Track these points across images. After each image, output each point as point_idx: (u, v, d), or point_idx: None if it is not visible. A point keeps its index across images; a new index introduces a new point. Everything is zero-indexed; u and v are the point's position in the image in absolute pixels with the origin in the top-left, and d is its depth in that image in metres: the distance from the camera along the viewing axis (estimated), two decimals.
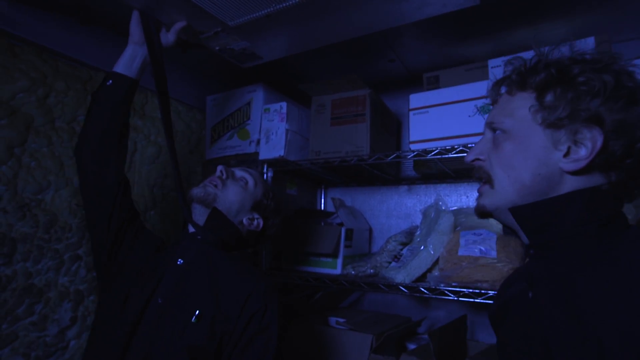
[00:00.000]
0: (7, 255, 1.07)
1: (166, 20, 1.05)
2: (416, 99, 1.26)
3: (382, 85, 1.70)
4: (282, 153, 1.42)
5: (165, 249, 1.03)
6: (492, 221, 1.37)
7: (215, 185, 1.01)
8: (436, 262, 1.24)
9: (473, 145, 1.12)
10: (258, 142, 1.49)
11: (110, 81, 0.97)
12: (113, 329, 0.86)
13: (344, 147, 1.38)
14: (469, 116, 1.15)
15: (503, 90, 0.69)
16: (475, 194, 1.51)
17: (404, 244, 1.40)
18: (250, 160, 1.51)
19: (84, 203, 1.00)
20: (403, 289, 1.19)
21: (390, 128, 1.60)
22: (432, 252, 1.23)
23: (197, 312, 0.82)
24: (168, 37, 1.05)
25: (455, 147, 1.14)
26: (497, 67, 1.23)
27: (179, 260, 0.94)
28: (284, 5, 0.95)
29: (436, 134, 1.20)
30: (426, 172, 1.50)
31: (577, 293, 0.54)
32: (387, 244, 1.42)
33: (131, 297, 0.90)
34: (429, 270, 1.24)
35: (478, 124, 1.13)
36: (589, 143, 0.55)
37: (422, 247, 1.25)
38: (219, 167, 1.03)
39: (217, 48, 1.19)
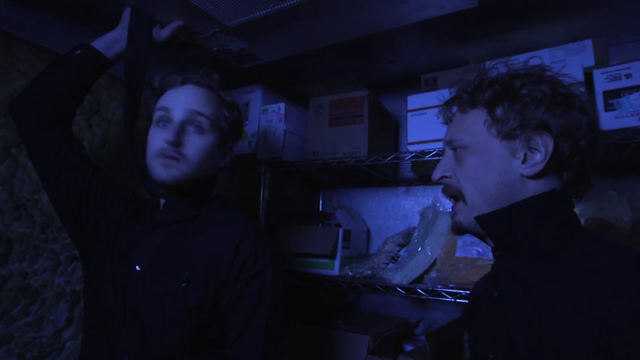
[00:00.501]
0: (3, 255, 1.06)
1: (163, 20, 1.05)
2: (414, 101, 1.27)
3: (380, 86, 1.70)
4: (279, 154, 1.41)
5: (136, 203, 0.95)
6: None
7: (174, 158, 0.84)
8: (434, 263, 1.24)
9: None
10: (256, 142, 1.49)
11: (79, 51, 0.91)
12: (104, 305, 0.83)
13: (342, 148, 1.38)
14: None
15: (454, 109, 0.74)
16: None
17: (402, 245, 1.40)
18: (248, 161, 1.51)
19: (38, 171, 0.90)
20: (400, 290, 1.19)
21: (389, 129, 1.60)
22: (429, 254, 1.23)
23: (186, 274, 0.78)
24: (161, 33, 1.03)
25: None
26: (494, 69, 1.23)
27: (158, 229, 0.86)
28: (283, 6, 0.95)
29: (434, 135, 1.20)
30: (424, 174, 1.50)
31: (534, 293, 0.58)
32: (385, 245, 1.42)
33: (113, 268, 0.83)
34: (427, 271, 1.24)
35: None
36: (542, 148, 0.61)
37: (419, 249, 1.25)
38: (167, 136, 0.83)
39: (215, 48, 1.19)
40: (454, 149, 0.70)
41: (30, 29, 1.14)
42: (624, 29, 1.27)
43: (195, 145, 0.85)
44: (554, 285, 0.57)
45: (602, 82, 1.00)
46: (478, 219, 0.65)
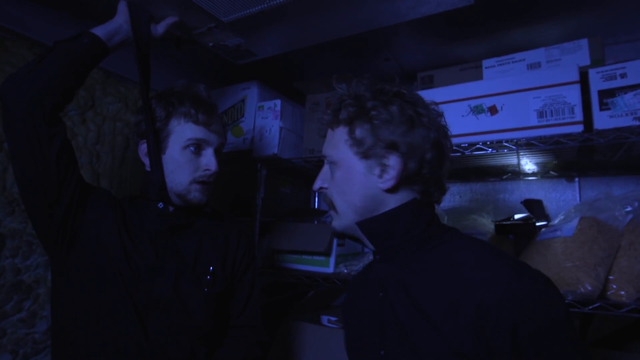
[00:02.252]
0: None
1: (158, 16, 1.04)
2: None
3: None
4: (275, 151, 1.41)
5: (119, 205, 0.95)
6: (484, 221, 1.37)
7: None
8: None
9: (466, 144, 1.13)
10: (252, 139, 1.48)
11: (86, 40, 0.88)
12: (120, 300, 0.85)
13: None
14: (462, 116, 1.15)
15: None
16: (468, 194, 1.52)
17: None
18: (243, 158, 1.51)
19: (22, 169, 0.81)
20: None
21: None
22: None
23: (211, 268, 0.97)
24: (157, 29, 1.02)
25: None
26: (491, 68, 1.24)
27: (173, 233, 0.95)
28: (279, 1, 0.95)
29: None
30: None
31: (413, 286, 0.67)
32: None
33: (123, 267, 0.86)
34: None
35: (471, 123, 1.13)
36: (394, 165, 0.67)
37: None
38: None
39: (210, 44, 1.19)
40: (328, 162, 0.76)
41: (24, 22, 1.13)
42: (619, 29, 1.27)
43: None
44: (428, 276, 0.66)
45: (597, 82, 1.01)
46: (359, 224, 0.72)
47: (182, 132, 0.93)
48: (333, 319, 1.39)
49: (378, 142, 0.68)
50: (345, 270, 1.37)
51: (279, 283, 1.62)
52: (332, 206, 0.76)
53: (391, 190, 0.70)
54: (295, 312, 1.52)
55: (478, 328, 0.57)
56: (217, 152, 0.99)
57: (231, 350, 0.98)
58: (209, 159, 0.95)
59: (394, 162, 0.68)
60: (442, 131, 0.73)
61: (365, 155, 0.70)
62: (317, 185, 0.79)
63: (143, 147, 0.95)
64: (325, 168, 0.78)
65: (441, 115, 0.75)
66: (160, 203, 0.94)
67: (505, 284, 0.57)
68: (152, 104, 0.95)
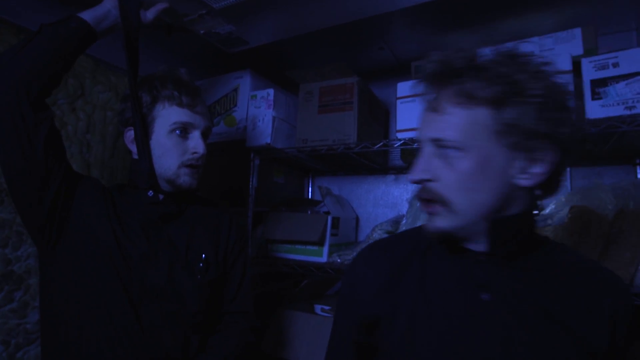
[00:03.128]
0: None
1: (148, 1, 1.02)
2: (403, 88, 1.26)
3: (370, 73, 1.69)
4: (268, 140, 1.40)
5: (107, 192, 0.93)
6: None
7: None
8: None
9: None
10: (245, 129, 1.47)
11: (74, 24, 0.85)
12: (113, 289, 0.85)
13: (331, 136, 1.38)
14: None
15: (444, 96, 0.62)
16: None
17: (390, 233, 1.41)
18: (236, 148, 1.50)
19: (9, 158, 0.79)
20: None
21: (379, 117, 1.59)
22: None
23: (204, 256, 0.97)
24: (147, 15, 1.00)
25: None
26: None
27: (166, 221, 0.95)
28: None
29: None
30: (413, 162, 1.50)
31: (535, 289, 0.61)
32: (374, 232, 1.43)
33: (115, 255, 0.86)
34: None
35: None
36: (546, 159, 0.56)
37: None
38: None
39: (202, 32, 1.17)
40: (442, 146, 0.60)
41: (10, 8, 1.10)
42: (613, 19, 1.27)
43: None
44: (552, 280, 0.62)
45: (589, 71, 1.01)
46: (494, 222, 0.60)
47: (167, 116, 0.92)
48: (326, 307, 1.40)
49: (533, 130, 0.55)
50: (339, 260, 1.38)
51: (272, 273, 1.63)
52: (441, 201, 0.60)
53: (531, 188, 0.58)
54: (288, 302, 1.52)
55: (612, 325, 0.60)
56: (205, 135, 0.98)
57: (224, 337, 0.99)
58: (196, 142, 0.95)
59: (548, 156, 0.56)
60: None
61: (515, 145, 0.56)
62: (416, 176, 0.62)
63: (129, 134, 0.94)
64: (430, 153, 0.62)
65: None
66: (150, 191, 0.93)
67: (620, 283, 0.64)
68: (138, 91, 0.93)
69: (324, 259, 1.41)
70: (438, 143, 0.60)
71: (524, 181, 0.57)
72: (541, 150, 0.56)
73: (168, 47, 1.52)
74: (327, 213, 1.49)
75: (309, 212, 1.51)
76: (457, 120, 0.59)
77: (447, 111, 0.60)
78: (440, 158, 0.60)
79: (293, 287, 1.70)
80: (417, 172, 0.62)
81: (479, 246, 0.63)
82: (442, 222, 0.61)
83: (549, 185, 0.61)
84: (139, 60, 0.96)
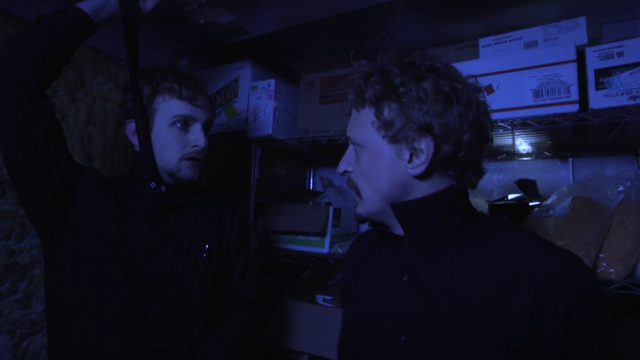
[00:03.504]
0: None
1: None
2: None
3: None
4: (270, 132, 1.40)
5: (110, 184, 0.94)
6: (478, 201, 1.38)
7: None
8: None
9: None
10: (246, 120, 1.47)
11: (72, 15, 0.84)
12: (119, 279, 0.86)
13: (333, 126, 1.37)
14: None
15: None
16: None
17: None
18: (237, 139, 1.49)
19: (10, 149, 0.79)
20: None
21: None
22: None
23: (207, 246, 0.98)
24: (146, 5, 0.98)
25: None
26: (487, 46, 1.22)
27: (168, 213, 0.95)
28: None
29: None
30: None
31: (446, 272, 0.64)
32: None
33: (118, 246, 0.87)
34: None
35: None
36: (425, 149, 0.62)
37: None
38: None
39: (202, 21, 1.16)
40: (353, 144, 0.71)
41: None
42: (618, 8, 1.25)
43: None
44: (466, 264, 0.63)
45: (594, 60, 1.00)
46: (394, 207, 0.68)
47: (168, 108, 0.92)
48: (328, 297, 1.41)
49: (408, 124, 0.62)
50: (340, 251, 1.39)
51: (274, 263, 1.64)
52: (356, 191, 0.71)
53: (422, 176, 0.64)
54: (290, 292, 1.54)
55: (534, 314, 0.55)
56: (206, 128, 0.98)
57: (226, 327, 1.00)
58: (196, 135, 0.94)
59: (425, 145, 0.62)
60: (482, 108, 0.66)
61: (394, 138, 0.64)
62: (341, 168, 0.73)
63: (130, 126, 0.94)
64: (350, 150, 0.72)
65: (481, 90, 0.68)
66: (152, 183, 0.93)
67: (558, 269, 0.56)
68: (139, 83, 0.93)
69: (325, 249, 1.41)
70: (350, 141, 0.72)
71: (412, 170, 0.64)
72: (418, 141, 0.63)
73: (168, 37, 1.51)
74: (329, 204, 1.49)
75: (311, 203, 1.51)
76: (354, 120, 0.70)
77: (351, 113, 0.71)
78: (354, 153, 0.71)
79: (295, 278, 1.71)
80: (341, 166, 0.73)
81: (400, 231, 0.70)
82: (359, 208, 0.72)
83: (460, 176, 0.65)
84: (139, 51, 0.95)
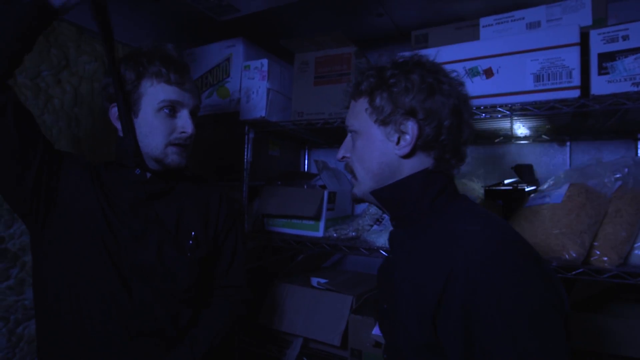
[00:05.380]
0: None
1: None
2: None
3: (369, 42, 1.62)
4: (263, 114, 1.36)
5: (94, 170, 0.92)
6: (474, 185, 1.37)
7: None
8: None
9: None
10: (238, 101, 1.43)
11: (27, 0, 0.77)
12: (105, 267, 0.85)
13: (328, 109, 1.33)
14: None
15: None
16: None
17: None
18: (230, 120, 1.46)
19: None
20: (384, 252, 1.20)
21: None
22: None
23: (194, 233, 0.98)
24: None
25: None
26: (488, 27, 1.18)
27: (152, 200, 0.94)
28: None
29: None
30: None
31: (411, 253, 0.72)
32: (370, 207, 1.42)
33: (105, 234, 0.86)
34: None
35: (466, 87, 1.09)
36: (410, 131, 0.70)
37: None
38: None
39: None
40: (350, 132, 0.80)
41: None
42: None
43: None
44: (426, 245, 0.69)
45: (597, 44, 0.96)
46: (374, 193, 0.76)
47: (155, 93, 0.89)
48: (323, 281, 1.42)
49: (397, 109, 0.71)
50: (335, 234, 1.38)
51: (268, 247, 1.63)
52: (352, 174, 0.80)
53: (407, 156, 0.72)
54: (285, 275, 1.54)
55: (443, 293, 0.60)
56: (193, 114, 0.95)
57: (215, 310, 1.02)
58: (184, 121, 0.92)
59: (410, 128, 0.70)
60: (462, 99, 0.74)
61: (383, 122, 0.72)
62: (340, 154, 0.83)
63: (114, 111, 0.91)
64: (348, 138, 0.81)
65: (462, 84, 0.75)
66: (137, 169, 0.91)
67: (480, 254, 0.59)
68: (120, 66, 0.89)
69: (320, 233, 1.41)
70: (348, 129, 0.80)
71: (398, 151, 0.72)
72: (405, 124, 0.70)
73: (155, 14, 1.44)
74: (324, 187, 1.47)
75: (305, 186, 1.50)
76: (352, 110, 0.79)
77: (350, 105, 0.81)
78: (352, 140, 0.79)
79: (289, 261, 1.72)
80: (340, 152, 0.83)
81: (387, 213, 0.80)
82: (355, 189, 0.80)
83: (439, 157, 0.72)
84: (113, 30, 0.89)
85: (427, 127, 0.70)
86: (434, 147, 0.71)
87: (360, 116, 0.76)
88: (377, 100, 0.72)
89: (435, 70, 0.73)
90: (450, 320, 0.59)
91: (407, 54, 0.77)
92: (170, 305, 0.92)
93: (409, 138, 0.70)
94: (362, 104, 0.76)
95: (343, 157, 0.82)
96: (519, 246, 0.62)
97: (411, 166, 0.73)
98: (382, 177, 0.74)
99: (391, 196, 0.75)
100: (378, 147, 0.73)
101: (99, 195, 0.88)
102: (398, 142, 0.72)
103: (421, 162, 0.72)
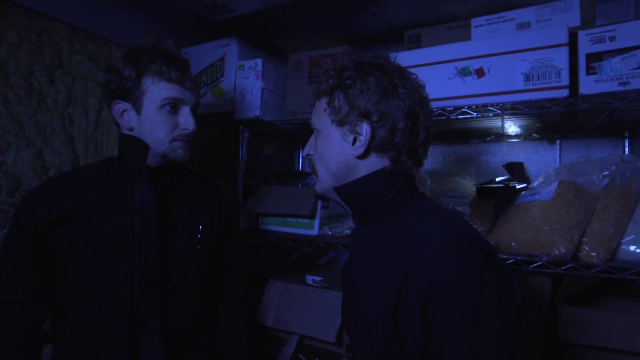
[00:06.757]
0: None
1: None
2: (396, 59, 1.22)
3: (362, 42, 1.64)
4: (257, 113, 1.37)
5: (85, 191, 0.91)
6: (466, 183, 1.39)
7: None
8: None
9: (451, 108, 1.11)
10: (233, 100, 1.43)
11: None
12: (114, 267, 0.88)
13: None
14: (449, 78, 1.12)
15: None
16: (452, 156, 1.53)
17: None
18: (224, 120, 1.46)
19: None
20: None
21: None
22: None
23: (200, 227, 1.02)
24: None
25: (434, 110, 1.12)
26: (479, 27, 1.19)
27: (159, 195, 0.94)
28: None
29: None
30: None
31: (370, 250, 0.73)
32: None
33: (106, 237, 0.88)
34: None
35: (457, 86, 1.11)
36: (364, 133, 0.71)
37: None
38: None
39: None
40: (314, 130, 0.81)
41: None
42: None
43: None
44: (384, 242, 0.70)
45: (586, 44, 0.98)
46: (336, 190, 0.77)
47: (157, 91, 0.90)
48: (318, 279, 1.43)
49: (352, 111, 0.72)
50: (330, 233, 1.39)
51: (263, 245, 1.64)
52: (314, 171, 0.82)
53: (362, 156, 0.73)
54: (280, 274, 1.55)
55: (402, 288, 0.61)
56: (194, 111, 0.97)
57: (235, 314, 1.14)
58: (186, 118, 0.93)
59: (364, 129, 0.71)
60: (420, 102, 0.74)
61: (340, 122, 0.73)
62: (305, 151, 0.85)
63: (117, 107, 0.92)
64: (313, 136, 0.83)
65: (422, 86, 0.77)
66: (143, 166, 0.92)
67: (433, 250, 0.60)
68: (120, 64, 0.90)
69: (315, 231, 1.42)
70: (311, 127, 0.81)
71: (353, 151, 0.73)
72: (359, 125, 0.71)
73: (149, 14, 1.45)
74: None
75: (300, 185, 1.50)
76: (315, 109, 0.80)
77: (315, 104, 0.81)
78: (315, 139, 0.81)
79: (285, 259, 1.73)
80: (305, 149, 0.84)
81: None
82: (316, 186, 0.82)
83: (395, 159, 0.73)
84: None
85: (380, 129, 0.71)
86: (388, 149, 0.72)
87: (320, 115, 0.77)
88: (335, 101, 0.74)
89: (392, 73, 0.73)
90: (409, 316, 0.60)
91: (371, 56, 0.78)
92: (182, 298, 0.95)
93: (362, 139, 0.71)
94: (322, 103, 0.77)
95: (307, 155, 0.84)
96: (474, 242, 0.63)
97: (369, 166, 0.74)
98: (340, 175, 0.76)
99: (351, 194, 0.76)
100: (335, 147, 0.75)
101: (97, 205, 0.89)
102: (354, 143, 0.73)
103: (378, 162, 0.74)
